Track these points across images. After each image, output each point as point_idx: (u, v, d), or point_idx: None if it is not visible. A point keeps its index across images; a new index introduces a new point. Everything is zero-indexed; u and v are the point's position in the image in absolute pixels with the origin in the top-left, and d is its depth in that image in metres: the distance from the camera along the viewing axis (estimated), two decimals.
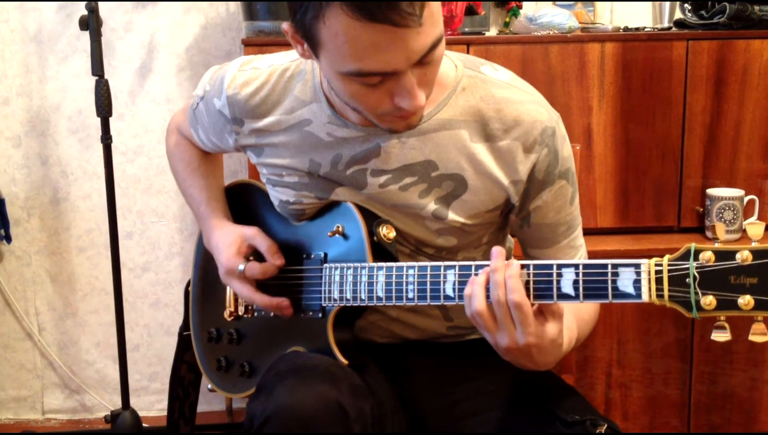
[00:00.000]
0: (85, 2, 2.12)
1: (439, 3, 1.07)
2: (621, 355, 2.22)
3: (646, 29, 2.32)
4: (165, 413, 1.69)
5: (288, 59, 1.33)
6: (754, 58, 2.19)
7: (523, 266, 1.09)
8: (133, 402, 2.40)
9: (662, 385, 2.24)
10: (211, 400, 2.57)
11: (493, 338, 1.10)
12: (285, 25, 1.14)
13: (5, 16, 2.41)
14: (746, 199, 2.21)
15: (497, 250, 1.09)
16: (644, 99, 2.20)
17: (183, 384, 1.63)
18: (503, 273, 1.07)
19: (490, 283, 1.08)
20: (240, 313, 1.44)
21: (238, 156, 2.49)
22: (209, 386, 1.50)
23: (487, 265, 1.10)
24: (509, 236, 1.47)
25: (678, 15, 2.38)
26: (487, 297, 1.08)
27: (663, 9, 2.43)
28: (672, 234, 2.27)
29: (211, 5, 2.45)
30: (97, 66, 2.14)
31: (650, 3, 2.51)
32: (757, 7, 2.19)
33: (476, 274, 1.11)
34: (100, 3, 2.15)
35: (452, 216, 1.27)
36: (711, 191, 2.21)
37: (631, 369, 2.23)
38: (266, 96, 1.31)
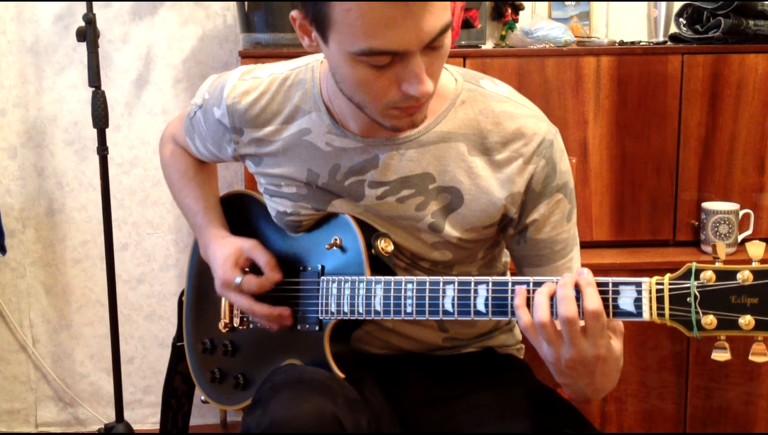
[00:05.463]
0: (84, 0, 2.12)
1: None
2: None
3: (641, 43, 2.33)
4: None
5: (288, 68, 1.33)
6: (748, 72, 2.20)
7: (522, 282, 1.10)
8: (127, 415, 2.39)
9: (658, 399, 2.24)
10: (205, 413, 2.56)
11: (555, 352, 1.08)
12: (294, 13, 1.14)
13: (2, 27, 2.41)
14: (741, 213, 2.21)
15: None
16: (639, 112, 2.21)
17: (176, 395, 1.63)
18: (572, 287, 1.06)
19: (558, 298, 1.06)
20: (235, 325, 1.44)
21: (234, 167, 2.49)
22: (202, 397, 1.49)
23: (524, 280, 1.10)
24: (505, 251, 1.47)
25: (673, 29, 2.39)
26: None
27: (658, 23, 2.45)
28: (667, 247, 2.27)
29: (209, 17, 2.46)
30: (94, 77, 2.14)
31: (645, 17, 2.52)
32: (752, 22, 2.20)
33: (532, 288, 1.09)
34: (97, 14, 2.15)
35: (448, 229, 1.26)
36: (706, 205, 2.21)
37: (627, 383, 2.23)
38: (266, 105, 1.31)
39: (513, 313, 1.11)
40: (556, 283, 1.08)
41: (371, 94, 1.12)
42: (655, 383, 2.23)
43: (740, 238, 2.22)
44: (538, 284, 1.09)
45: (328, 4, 1.05)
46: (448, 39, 1.10)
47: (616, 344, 1.10)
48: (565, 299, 1.05)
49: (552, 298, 1.07)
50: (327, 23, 1.07)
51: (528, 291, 1.10)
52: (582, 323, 1.06)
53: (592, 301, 1.04)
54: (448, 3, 1.08)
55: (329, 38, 1.09)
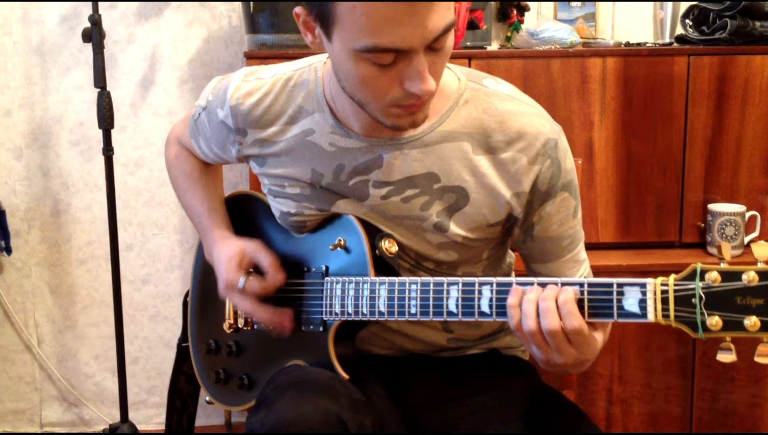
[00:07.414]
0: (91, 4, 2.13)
1: None
2: (622, 370, 2.22)
3: (647, 44, 2.33)
4: (164, 427, 1.68)
5: (291, 69, 1.33)
6: (755, 74, 2.19)
7: (526, 283, 1.10)
8: (132, 415, 2.39)
9: (663, 401, 2.23)
10: (210, 414, 2.56)
11: (545, 355, 1.11)
12: (298, 9, 1.14)
13: (8, 29, 2.42)
14: (748, 214, 2.20)
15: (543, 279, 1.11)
16: (645, 114, 2.20)
17: (181, 396, 1.63)
18: (554, 300, 1.07)
19: (541, 311, 1.08)
20: (239, 326, 1.44)
21: (239, 168, 2.49)
22: (207, 398, 1.49)
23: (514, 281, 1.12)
24: (509, 251, 1.47)
25: (679, 30, 2.39)
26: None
27: (664, 25, 2.44)
28: (673, 249, 2.27)
29: (214, 18, 2.46)
30: (100, 78, 2.15)
31: (651, 19, 2.52)
32: (758, 23, 2.20)
33: (524, 289, 1.11)
34: (102, 15, 2.15)
35: (453, 228, 1.26)
36: (712, 207, 2.21)
37: (632, 385, 2.23)
38: (269, 106, 1.31)
39: None
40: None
41: (373, 91, 1.12)
42: (661, 385, 2.22)
43: (747, 240, 2.21)
44: (542, 285, 1.09)
45: (333, 1, 1.05)
46: (450, 40, 1.10)
47: (599, 336, 1.17)
48: (547, 312, 1.07)
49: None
50: (331, 20, 1.07)
51: (524, 292, 1.10)
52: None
53: (572, 321, 1.07)
54: (452, 3, 1.08)
55: (333, 35, 1.09)
